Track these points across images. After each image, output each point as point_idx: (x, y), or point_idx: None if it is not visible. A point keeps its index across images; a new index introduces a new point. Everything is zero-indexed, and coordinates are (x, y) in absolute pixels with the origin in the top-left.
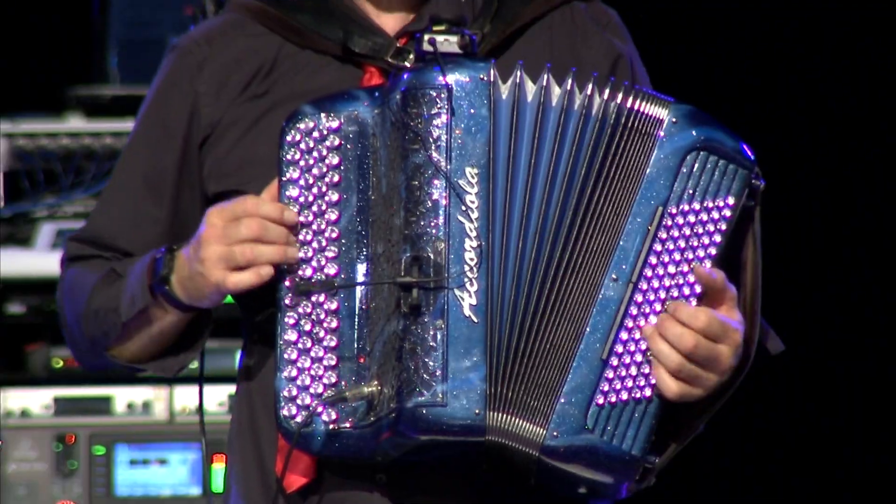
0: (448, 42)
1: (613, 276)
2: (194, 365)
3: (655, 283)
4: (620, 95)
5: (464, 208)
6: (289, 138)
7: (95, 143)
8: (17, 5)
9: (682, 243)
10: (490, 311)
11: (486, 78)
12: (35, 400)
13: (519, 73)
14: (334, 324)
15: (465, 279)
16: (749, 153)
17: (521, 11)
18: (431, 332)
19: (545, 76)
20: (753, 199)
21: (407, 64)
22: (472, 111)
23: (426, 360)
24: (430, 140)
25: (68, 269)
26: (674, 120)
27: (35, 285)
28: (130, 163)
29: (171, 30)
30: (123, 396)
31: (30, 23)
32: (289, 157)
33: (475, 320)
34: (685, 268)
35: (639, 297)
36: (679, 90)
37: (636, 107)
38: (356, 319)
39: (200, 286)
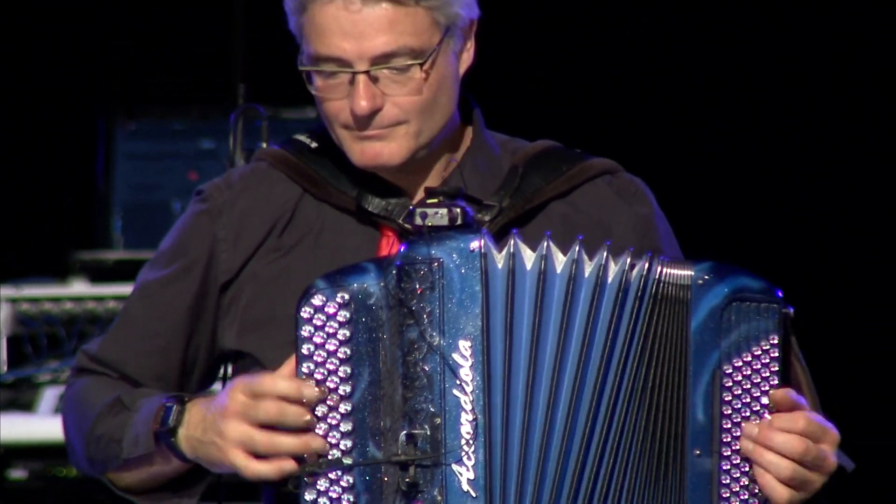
0: (439, 215)
1: (697, 452)
2: None
3: (735, 444)
4: (646, 266)
5: (458, 382)
6: (304, 315)
7: (99, 308)
8: (20, 170)
9: (745, 397)
10: (490, 484)
11: (475, 249)
12: None
13: (513, 242)
14: (351, 499)
15: (462, 453)
16: (773, 287)
17: (543, 189)
18: None
19: (545, 244)
20: (787, 327)
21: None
22: (464, 283)
23: None
24: (423, 315)
25: (77, 378)
26: (700, 281)
27: (37, 451)
28: (144, 296)
29: (175, 194)
30: None
31: (34, 187)
32: (304, 333)
33: (474, 494)
34: (753, 417)
35: (725, 464)
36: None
37: (662, 275)
38: (372, 496)
39: (214, 456)
